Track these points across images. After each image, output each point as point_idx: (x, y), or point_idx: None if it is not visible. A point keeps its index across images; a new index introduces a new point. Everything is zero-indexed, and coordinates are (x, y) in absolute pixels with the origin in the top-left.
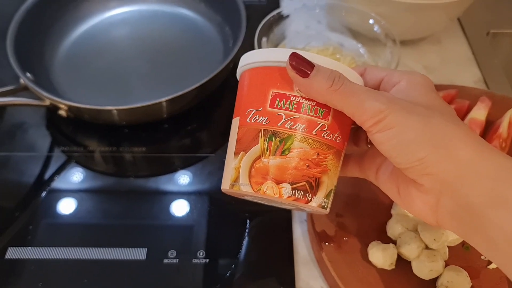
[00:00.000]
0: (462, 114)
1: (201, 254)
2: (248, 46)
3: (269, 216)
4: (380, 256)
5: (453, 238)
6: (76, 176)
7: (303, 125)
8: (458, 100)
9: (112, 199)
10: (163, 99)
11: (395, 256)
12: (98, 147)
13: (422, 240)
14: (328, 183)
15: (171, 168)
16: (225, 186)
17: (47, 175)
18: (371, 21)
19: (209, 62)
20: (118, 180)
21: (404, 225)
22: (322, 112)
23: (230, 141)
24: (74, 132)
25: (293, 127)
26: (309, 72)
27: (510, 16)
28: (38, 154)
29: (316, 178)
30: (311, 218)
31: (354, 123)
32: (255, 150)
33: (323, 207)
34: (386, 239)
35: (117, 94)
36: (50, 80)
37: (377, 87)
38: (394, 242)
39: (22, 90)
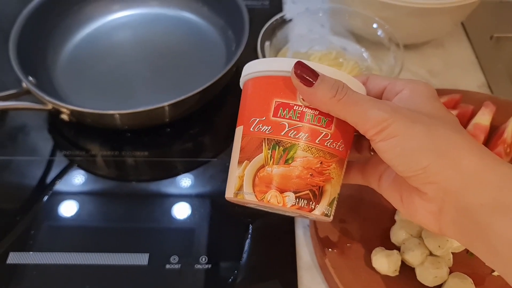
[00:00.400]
0: (466, 119)
1: (204, 259)
2: (251, 50)
3: (271, 220)
4: (384, 262)
5: (457, 244)
6: (78, 180)
7: (306, 134)
8: (462, 105)
9: (114, 204)
10: (166, 104)
11: (399, 263)
12: (100, 151)
13: (426, 246)
14: (331, 191)
15: (173, 173)
16: (229, 194)
17: (49, 179)
18: (374, 25)
19: (211, 66)
20: (120, 184)
21: (408, 231)
22: (325, 121)
23: (234, 150)
24: (76, 136)
25: (297, 136)
26: (313, 81)
27: None
28: (40, 158)
29: (319, 187)
30: (314, 223)
31: (357, 131)
32: (258, 159)
33: (326, 215)
34: (390, 245)
35: (119, 98)
36: (52, 84)
37: (379, 96)
38: (398, 249)
39: (24, 94)
